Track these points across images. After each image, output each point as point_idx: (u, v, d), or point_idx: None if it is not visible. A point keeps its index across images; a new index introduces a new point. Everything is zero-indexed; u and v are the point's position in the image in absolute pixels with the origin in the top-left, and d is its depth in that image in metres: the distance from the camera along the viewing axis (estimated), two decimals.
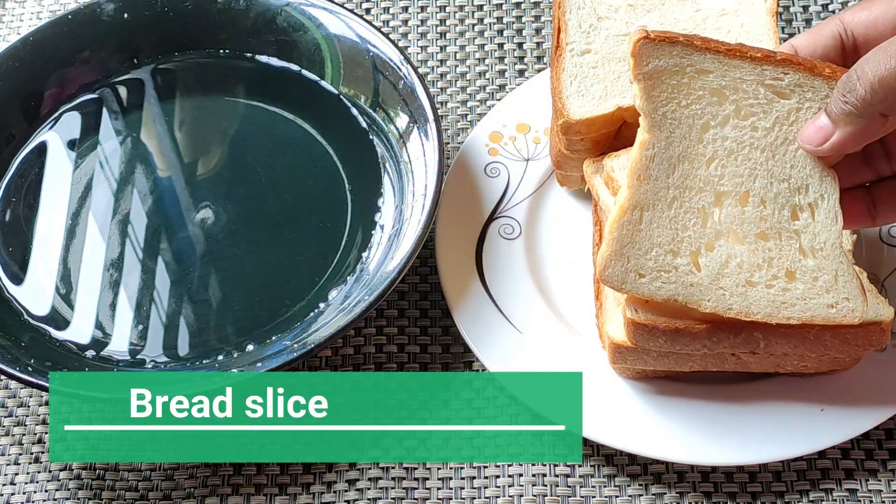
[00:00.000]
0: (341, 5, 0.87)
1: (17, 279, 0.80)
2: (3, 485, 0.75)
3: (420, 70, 0.85)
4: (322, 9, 0.87)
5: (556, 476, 0.73)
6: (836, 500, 0.72)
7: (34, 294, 0.79)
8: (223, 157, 0.86)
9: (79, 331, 0.77)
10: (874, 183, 0.69)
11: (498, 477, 0.74)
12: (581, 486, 0.73)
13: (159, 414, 0.77)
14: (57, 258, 0.81)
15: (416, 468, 0.74)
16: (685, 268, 0.66)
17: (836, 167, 0.67)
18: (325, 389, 0.77)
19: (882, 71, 0.61)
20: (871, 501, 0.72)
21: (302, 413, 0.76)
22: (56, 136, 0.86)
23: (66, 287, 0.79)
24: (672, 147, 0.66)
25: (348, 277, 0.78)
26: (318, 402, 0.75)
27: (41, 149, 0.85)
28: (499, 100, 0.89)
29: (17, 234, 0.82)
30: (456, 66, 0.93)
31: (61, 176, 0.84)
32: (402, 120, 0.82)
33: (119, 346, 0.77)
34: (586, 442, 0.74)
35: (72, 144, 0.86)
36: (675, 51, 0.66)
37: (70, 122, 0.86)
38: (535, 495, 0.73)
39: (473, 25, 0.95)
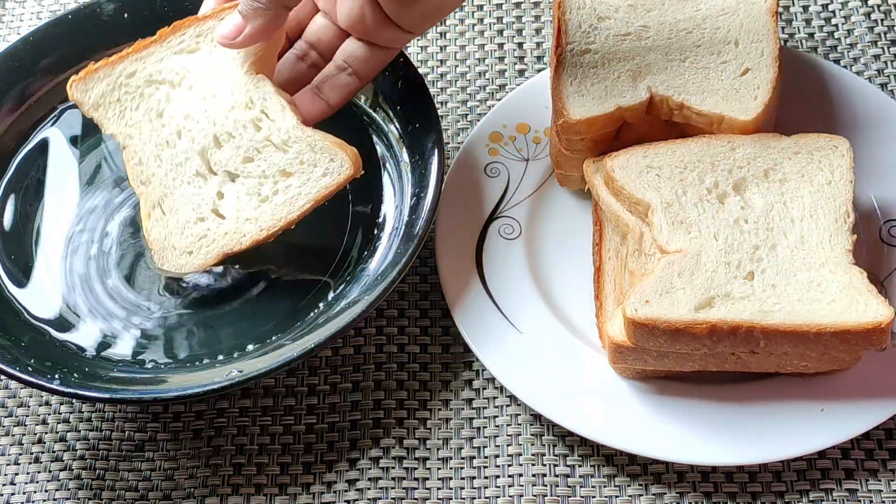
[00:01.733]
0: None
1: (20, 282, 0.79)
2: (3, 485, 0.75)
3: (420, 70, 0.85)
4: None
5: (556, 476, 0.73)
6: (836, 500, 0.72)
7: (37, 297, 0.79)
8: None
9: (81, 333, 0.77)
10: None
11: (498, 477, 0.74)
12: (581, 486, 0.73)
13: (160, 414, 0.77)
14: (59, 258, 0.80)
15: (416, 468, 0.74)
16: (214, 224, 0.76)
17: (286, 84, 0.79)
18: (325, 389, 0.77)
19: None
20: (871, 501, 0.72)
21: (302, 410, 0.77)
22: (58, 133, 0.86)
23: (67, 287, 0.79)
24: (145, 143, 0.77)
25: (348, 277, 0.78)
26: (316, 402, 0.75)
27: (43, 146, 0.85)
28: (499, 100, 0.89)
29: (17, 236, 0.81)
30: (456, 66, 0.93)
31: (64, 173, 0.84)
32: (402, 120, 0.82)
33: (120, 346, 0.77)
34: (586, 442, 0.74)
35: (74, 142, 0.86)
36: (100, 74, 0.78)
37: (71, 120, 0.86)
38: (535, 495, 0.73)
39: (473, 25, 0.95)
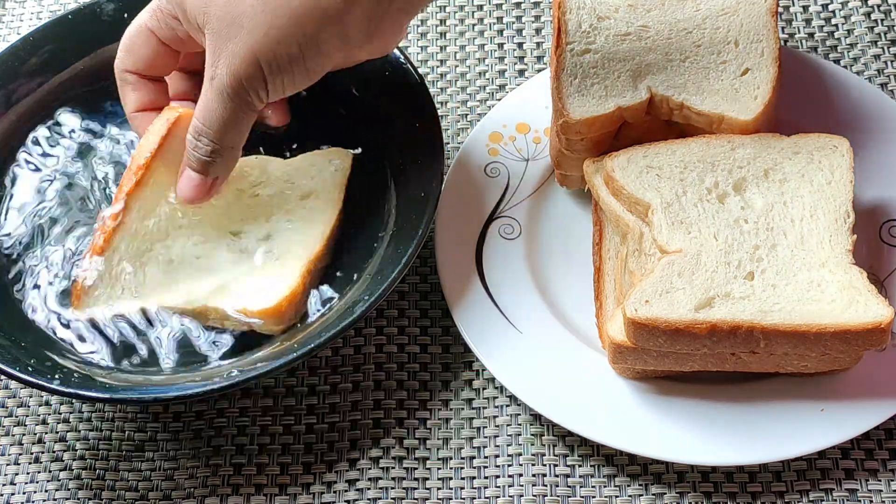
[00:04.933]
0: None
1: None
2: (3, 485, 0.75)
3: (420, 70, 0.85)
4: None
5: (556, 476, 0.73)
6: (836, 500, 0.72)
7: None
8: None
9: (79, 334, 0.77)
10: None
11: (498, 477, 0.74)
12: (581, 486, 0.73)
13: (160, 414, 0.77)
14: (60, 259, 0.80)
15: (416, 468, 0.74)
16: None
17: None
18: (325, 389, 0.77)
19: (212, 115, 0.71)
20: (871, 501, 0.72)
21: (302, 410, 0.76)
22: (58, 132, 0.86)
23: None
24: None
25: (349, 278, 0.78)
26: (317, 402, 0.75)
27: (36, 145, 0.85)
28: (499, 100, 0.89)
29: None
30: (456, 66, 0.93)
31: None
32: (402, 120, 0.82)
33: (121, 347, 0.77)
34: (586, 442, 0.74)
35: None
36: None
37: (70, 120, 0.86)
38: (535, 495, 0.73)
39: (473, 25, 0.95)
